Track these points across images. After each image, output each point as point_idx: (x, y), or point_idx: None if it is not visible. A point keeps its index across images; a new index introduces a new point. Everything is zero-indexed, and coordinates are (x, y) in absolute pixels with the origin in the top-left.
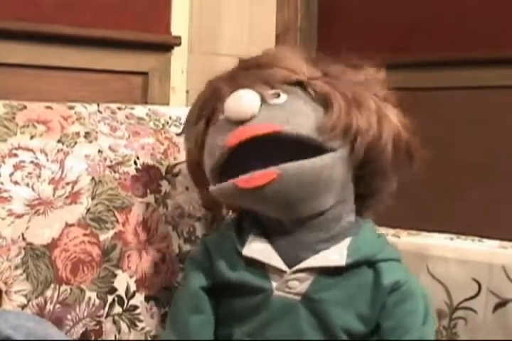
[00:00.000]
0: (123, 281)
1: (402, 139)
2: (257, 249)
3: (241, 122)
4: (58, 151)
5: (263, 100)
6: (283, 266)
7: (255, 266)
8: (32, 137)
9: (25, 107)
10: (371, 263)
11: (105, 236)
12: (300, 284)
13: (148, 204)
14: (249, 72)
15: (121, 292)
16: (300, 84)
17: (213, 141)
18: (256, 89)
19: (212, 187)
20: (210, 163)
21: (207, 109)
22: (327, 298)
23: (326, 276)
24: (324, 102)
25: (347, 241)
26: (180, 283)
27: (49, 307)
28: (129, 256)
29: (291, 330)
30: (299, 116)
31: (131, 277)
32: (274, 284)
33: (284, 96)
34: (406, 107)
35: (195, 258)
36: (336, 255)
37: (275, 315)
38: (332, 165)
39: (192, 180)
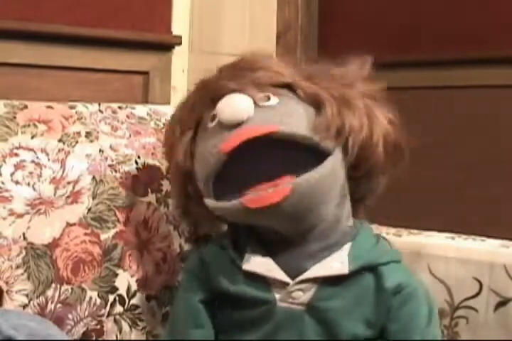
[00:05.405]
0: (124, 281)
1: (392, 136)
2: (257, 262)
3: (235, 126)
4: (59, 151)
5: (255, 103)
6: (286, 278)
7: (256, 279)
8: (33, 137)
9: (26, 107)
10: (372, 268)
11: (106, 235)
12: (304, 294)
13: (149, 204)
14: (236, 75)
15: (123, 291)
16: (288, 86)
17: (206, 149)
18: (247, 92)
19: (211, 202)
20: (205, 172)
21: (193, 118)
22: (332, 306)
23: (329, 284)
24: (314, 103)
25: (347, 247)
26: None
27: (50, 306)
28: (130, 256)
29: (297, 339)
30: (293, 117)
31: (132, 276)
32: (277, 296)
33: (274, 99)
34: (405, 106)
35: (190, 271)
36: (337, 263)
37: (280, 325)
38: (333, 168)
39: (179, 194)
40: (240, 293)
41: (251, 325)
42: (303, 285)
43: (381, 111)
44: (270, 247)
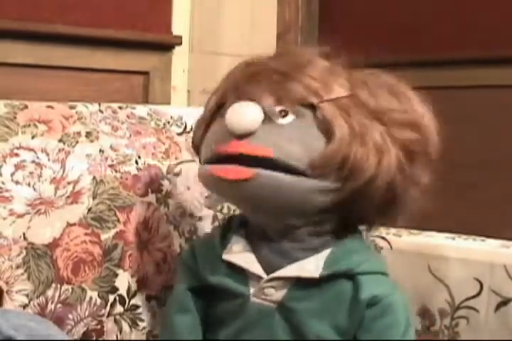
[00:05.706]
0: (124, 281)
1: (395, 182)
2: (238, 253)
3: (237, 134)
4: (59, 151)
5: (267, 116)
6: (261, 273)
7: (235, 270)
8: (33, 137)
9: (26, 107)
10: (350, 276)
11: (106, 235)
12: (276, 292)
13: (149, 204)
14: (268, 79)
15: (123, 291)
16: (312, 106)
17: (210, 140)
18: (264, 103)
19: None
20: (204, 154)
21: (223, 94)
22: (302, 307)
23: (302, 286)
24: (328, 131)
25: (326, 252)
26: None
27: (50, 306)
28: (130, 256)
29: (266, 337)
30: (296, 145)
31: (132, 276)
32: (252, 290)
33: (290, 117)
34: None
35: (184, 260)
36: (312, 265)
37: (252, 321)
38: (304, 190)
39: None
40: (219, 284)
41: (227, 318)
42: (275, 283)
43: (394, 154)
44: (254, 240)
